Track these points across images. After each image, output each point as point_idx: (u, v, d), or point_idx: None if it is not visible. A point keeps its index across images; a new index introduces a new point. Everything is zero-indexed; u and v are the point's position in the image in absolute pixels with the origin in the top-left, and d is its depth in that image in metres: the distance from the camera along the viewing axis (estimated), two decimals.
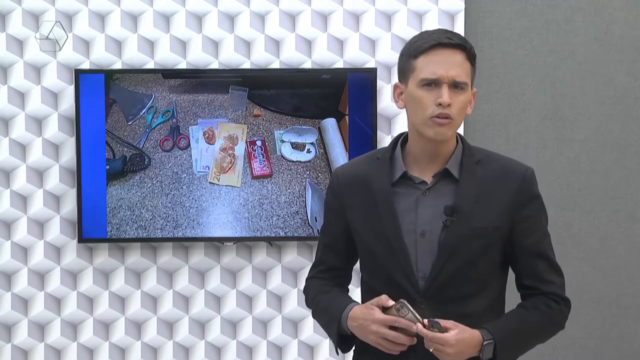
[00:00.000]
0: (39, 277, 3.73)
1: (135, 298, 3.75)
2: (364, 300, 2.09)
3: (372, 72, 3.64)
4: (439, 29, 2.05)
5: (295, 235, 3.67)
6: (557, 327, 2.10)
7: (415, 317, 1.90)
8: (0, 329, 3.74)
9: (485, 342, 1.93)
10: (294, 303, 3.74)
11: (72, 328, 3.75)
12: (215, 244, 3.74)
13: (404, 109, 2.06)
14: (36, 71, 3.70)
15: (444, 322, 1.91)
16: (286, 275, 3.75)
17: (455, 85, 1.96)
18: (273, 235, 3.69)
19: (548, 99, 3.79)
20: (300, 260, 3.73)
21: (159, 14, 3.72)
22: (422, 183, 2.02)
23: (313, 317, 2.20)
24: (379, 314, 1.93)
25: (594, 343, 3.83)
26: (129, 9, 3.71)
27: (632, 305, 3.83)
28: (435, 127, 1.95)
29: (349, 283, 2.22)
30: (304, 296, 2.25)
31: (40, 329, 3.75)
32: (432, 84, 1.95)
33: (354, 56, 3.72)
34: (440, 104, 1.94)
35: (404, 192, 2.02)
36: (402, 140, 2.08)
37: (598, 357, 3.83)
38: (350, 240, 2.12)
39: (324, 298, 2.13)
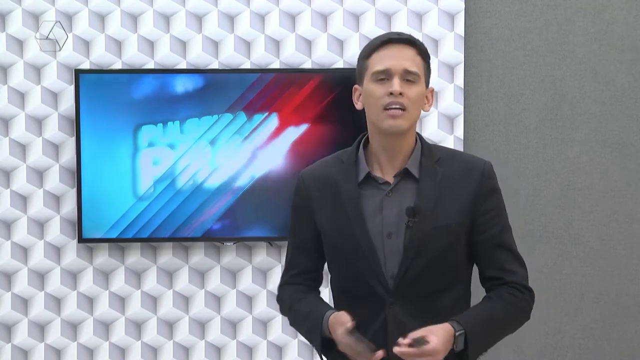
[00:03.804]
0: (39, 277, 3.73)
1: (135, 298, 3.76)
2: (336, 300, 2.13)
3: None
4: (391, 32, 2.13)
5: None
6: (523, 315, 2.12)
7: (367, 345, 1.93)
8: (0, 329, 3.74)
9: (457, 333, 1.96)
10: None
11: (72, 328, 3.76)
12: (215, 244, 3.74)
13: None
14: (36, 71, 3.70)
15: (414, 334, 1.91)
16: None
17: (408, 78, 2.00)
18: (273, 235, 3.69)
19: (548, 99, 3.80)
20: None
21: (159, 14, 3.72)
22: (385, 184, 2.06)
23: (291, 325, 2.21)
24: (341, 335, 1.95)
25: (594, 343, 3.83)
26: (129, 9, 3.72)
27: (632, 305, 3.83)
28: (389, 119, 1.99)
29: (320, 284, 2.23)
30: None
31: (40, 329, 3.75)
32: (384, 77, 2.00)
33: (354, 56, 3.71)
34: (391, 93, 1.98)
35: (369, 194, 2.05)
36: (364, 141, 2.11)
37: (598, 357, 3.83)
38: (319, 241, 2.14)
39: (300, 306, 2.14)
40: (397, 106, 1.99)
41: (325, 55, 3.72)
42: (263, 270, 3.76)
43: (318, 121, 3.65)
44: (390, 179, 2.06)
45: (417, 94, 2.01)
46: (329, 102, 3.65)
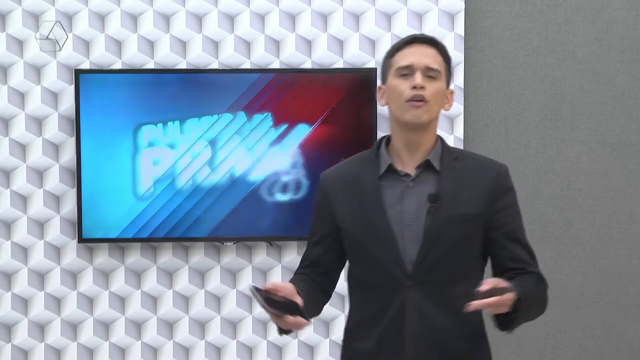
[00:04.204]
0: (39, 277, 3.73)
1: (135, 298, 3.76)
2: (354, 294, 2.23)
3: (372, 72, 3.64)
4: (415, 33, 2.32)
5: (295, 235, 3.67)
6: (546, 302, 2.22)
7: (263, 303, 1.97)
8: (0, 329, 3.74)
9: (515, 297, 2.02)
10: None
11: (72, 328, 3.76)
12: (215, 244, 3.74)
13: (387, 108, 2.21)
14: (36, 71, 3.70)
15: (484, 287, 1.97)
16: (286, 275, 3.75)
17: (429, 74, 2.13)
18: (273, 235, 3.69)
19: (548, 99, 3.80)
20: (300, 260, 3.72)
21: (159, 14, 3.72)
22: (406, 175, 2.17)
23: None
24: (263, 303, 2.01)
25: (594, 343, 3.83)
26: (129, 9, 3.72)
27: (632, 305, 3.83)
28: (412, 109, 2.11)
29: (331, 285, 2.31)
30: None
31: (40, 329, 3.75)
32: (407, 73, 2.13)
33: (354, 56, 3.73)
34: (414, 87, 2.10)
35: (389, 185, 2.16)
36: (385, 140, 2.24)
37: (598, 357, 3.83)
38: (335, 239, 2.24)
39: None
40: (419, 98, 2.10)
41: (325, 55, 3.72)
42: (263, 270, 3.76)
43: (318, 121, 3.65)
44: (411, 171, 2.17)
45: (438, 89, 2.14)
46: (329, 102, 3.65)
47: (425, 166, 2.16)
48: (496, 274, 2.21)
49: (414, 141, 2.17)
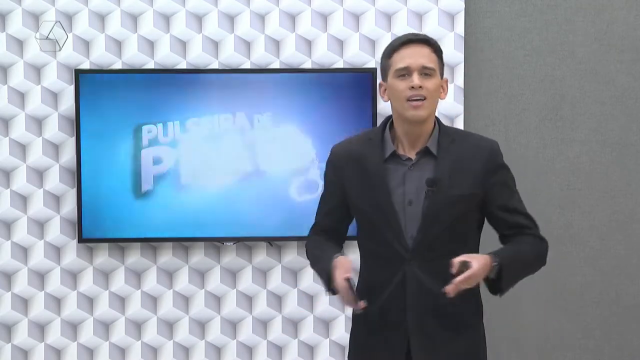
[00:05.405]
0: (39, 277, 3.73)
1: (135, 298, 3.76)
2: (363, 261, 2.47)
3: (372, 72, 3.64)
4: (408, 33, 2.49)
5: (295, 235, 3.67)
6: (542, 259, 2.44)
7: (355, 295, 2.28)
8: (0, 329, 3.74)
9: (493, 264, 2.29)
10: (294, 303, 3.74)
11: (72, 328, 3.76)
12: (215, 244, 3.74)
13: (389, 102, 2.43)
14: (36, 71, 3.70)
15: (459, 259, 2.23)
16: (286, 275, 3.75)
17: (425, 72, 2.33)
18: (273, 235, 3.69)
19: (548, 99, 3.80)
20: (300, 260, 3.73)
21: (159, 14, 3.72)
22: (408, 160, 2.39)
23: (311, 267, 2.57)
24: (338, 277, 2.29)
25: (594, 343, 3.83)
26: (129, 9, 3.72)
27: (632, 305, 3.83)
28: (411, 109, 2.33)
29: (342, 240, 2.58)
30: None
31: (40, 329, 3.75)
32: (405, 73, 2.33)
33: (354, 56, 3.73)
34: (412, 87, 2.31)
35: (393, 168, 2.38)
36: (389, 124, 2.44)
37: (598, 357, 3.83)
38: (345, 207, 2.48)
39: (316, 251, 2.52)
40: (418, 97, 2.32)
41: (325, 55, 3.72)
42: (263, 270, 3.76)
43: (318, 121, 3.65)
44: (412, 155, 2.38)
45: (434, 85, 2.34)
46: (329, 102, 3.65)
47: (424, 152, 2.38)
48: (502, 242, 2.43)
49: (414, 131, 2.38)
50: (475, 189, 2.36)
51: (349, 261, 2.33)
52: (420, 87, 2.31)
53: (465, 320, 2.40)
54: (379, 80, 2.46)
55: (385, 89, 2.41)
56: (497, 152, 2.42)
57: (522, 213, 2.43)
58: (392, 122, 2.44)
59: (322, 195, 2.57)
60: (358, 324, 2.46)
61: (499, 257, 2.31)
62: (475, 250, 2.41)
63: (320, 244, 2.52)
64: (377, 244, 2.40)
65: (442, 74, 2.39)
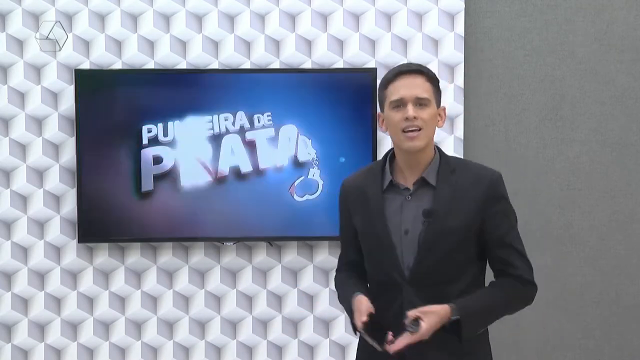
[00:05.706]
0: (39, 277, 3.73)
1: (135, 298, 3.76)
2: (370, 287, 2.48)
3: (372, 72, 3.64)
4: (402, 63, 2.46)
5: (295, 235, 3.67)
6: (522, 303, 2.41)
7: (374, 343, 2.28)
8: (0, 329, 3.74)
9: (452, 318, 2.26)
10: (294, 303, 3.75)
11: (72, 328, 3.76)
12: (215, 244, 3.74)
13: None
14: (36, 71, 3.70)
15: (412, 313, 2.24)
16: (286, 275, 3.75)
17: (420, 103, 2.33)
18: (273, 235, 3.69)
19: (548, 99, 3.80)
20: (300, 260, 3.73)
21: (159, 14, 3.72)
22: (406, 189, 2.39)
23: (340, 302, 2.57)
24: (357, 321, 2.31)
25: (594, 343, 3.83)
26: (129, 9, 3.72)
27: (632, 305, 3.83)
28: (407, 141, 2.33)
29: (365, 271, 2.55)
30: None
31: (40, 329, 3.75)
32: (400, 105, 2.34)
33: (354, 56, 3.73)
34: (407, 118, 2.32)
35: (392, 197, 2.39)
36: (390, 155, 2.46)
37: (598, 357, 3.84)
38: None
39: (342, 290, 2.53)
40: (413, 128, 2.32)
41: (325, 55, 3.72)
42: (263, 270, 3.76)
43: (318, 121, 3.65)
44: (411, 185, 2.39)
45: (430, 115, 2.34)
46: (329, 102, 3.65)
47: (422, 182, 2.38)
48: (495, 277, 2.41)
49: (412, 160, 2.38)
50: (474, 218, 2.33)
51: (366, 299, 2.33)
52: (415, 117, 2.31)
53: (472, 345, 2.34)
54: (378, 111, 2.47)
55: (383, 120, 2.41)
56: (499, 182, 2.38)
57: (517, 250, 2.37)
58: (393, 154, 2.44)
59: (339, 229, 2.58)
60: (364, 348, 2.44)
61: (461, 310, 2.26)
62: (475, 279, 2.38)
63: (343, 282, 2.54)
64: (377, 271, 2.42)
65: (438, 103, 2.38)
